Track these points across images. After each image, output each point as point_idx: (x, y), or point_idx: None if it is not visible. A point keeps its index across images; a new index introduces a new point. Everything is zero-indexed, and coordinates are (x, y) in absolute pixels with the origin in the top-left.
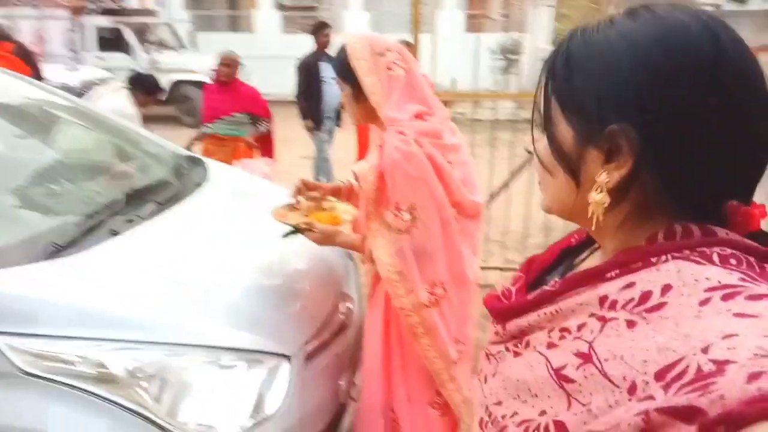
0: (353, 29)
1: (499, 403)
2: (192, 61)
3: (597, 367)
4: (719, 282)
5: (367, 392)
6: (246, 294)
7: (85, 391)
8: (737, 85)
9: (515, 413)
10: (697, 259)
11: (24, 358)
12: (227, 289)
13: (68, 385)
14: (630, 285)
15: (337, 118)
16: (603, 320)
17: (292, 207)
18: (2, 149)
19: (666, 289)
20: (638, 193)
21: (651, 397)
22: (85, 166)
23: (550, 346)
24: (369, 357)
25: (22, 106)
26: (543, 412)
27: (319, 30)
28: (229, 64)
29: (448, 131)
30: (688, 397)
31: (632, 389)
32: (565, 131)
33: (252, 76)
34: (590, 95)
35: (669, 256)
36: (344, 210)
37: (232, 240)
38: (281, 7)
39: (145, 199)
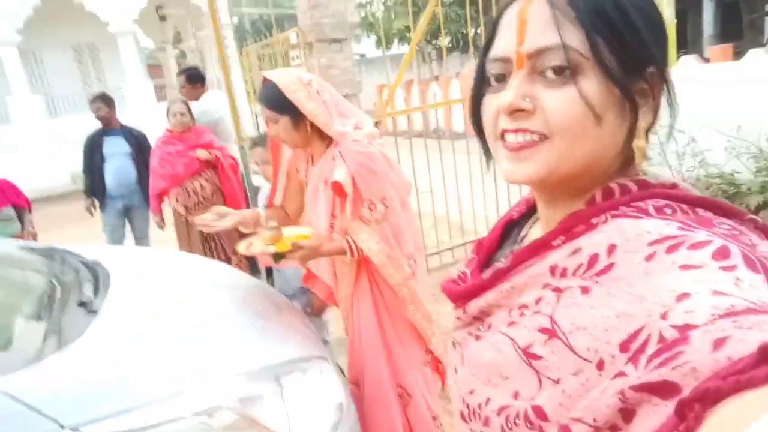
0: (22, 114)
1: (471, 392)
2: None
3: (563, 341)
4: (660, 234)
5: (372, 373)
6: (254, 322)
7: None
8: None
9: (489, 399)
10: (634, 213)
11: None
12: (238, 326)
13: None
14: (576, 250)
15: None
16: (558, 291)
17: (250, 243)
18: None
19: (611, 249)
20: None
21: (623, 374)
22: None
23: (511, 324)
24: (368, 340)
25: None
26: (516, 394)
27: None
28: None
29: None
30: (660, 372)
31: (600, 364)
32: (616, 70)
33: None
34: (642, 34)
35: (608, 215)
36: (297, 230)
37: (195, 296)
38: None
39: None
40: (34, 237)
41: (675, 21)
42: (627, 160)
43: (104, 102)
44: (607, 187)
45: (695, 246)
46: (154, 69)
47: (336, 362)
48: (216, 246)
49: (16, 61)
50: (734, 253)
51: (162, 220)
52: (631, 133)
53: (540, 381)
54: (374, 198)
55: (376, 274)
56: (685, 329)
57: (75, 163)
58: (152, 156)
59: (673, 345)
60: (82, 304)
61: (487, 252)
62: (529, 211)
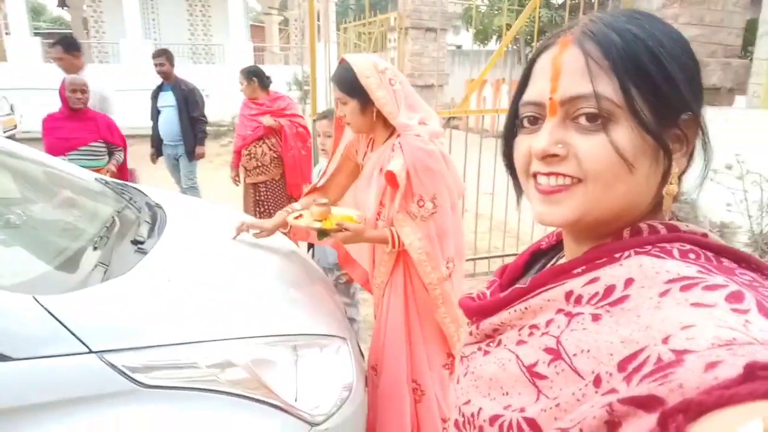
0: (133, 56)
1: (468, 402)
2: None
3: (567, 363)
4: (678, 274)
5: (390, 363)
6: (289, 296)
7: (212, 390)
8: None
9: (480, 409)
10: (658, 253)
11: (144, 372)
12: (269, 292)
13: (193, 388)
14: (594, 280)
15: (188, 150)
16: (569, 315)
17: (298, 216)
18: None
19: (628, 282)
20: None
21: (614, 390)
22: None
23: (519, 342)
24: (392, 331)
25: None
26: (508, 406)
27: (157, 58)
28: (83, 90)
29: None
30: (648, 386)
31: (597, 381)
32: (649, 119)
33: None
34: (678, 82)
35: (632, 252)
36: (346, 211)
37: (239, 256)
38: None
39: (132, 225)
40: (112, 174)
41: None
42: (659, 203)
43: (166, 57)
44: (636, 226)
45: (710, 287)
46: (257, 30)
47: (358, 344)
48: (265, 211)
49: (135, 6)
50: (748, 299)
51: (237, 175)
52: (665, 178)
53: (538, 398)
54: (425, 195)
55: (413, 269)
56: (682, 353)
57: None
58: (239, 117)
59: (668, 366)
60: (135, 242)
61: (510, 277)
62: (558, 243)
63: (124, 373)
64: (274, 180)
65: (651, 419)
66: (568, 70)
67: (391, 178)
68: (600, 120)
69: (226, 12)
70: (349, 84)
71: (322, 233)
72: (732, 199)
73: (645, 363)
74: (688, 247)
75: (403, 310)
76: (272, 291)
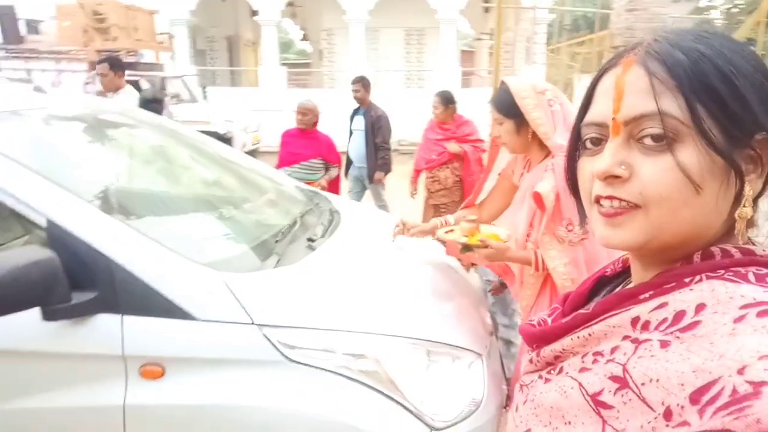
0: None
1: (528, 431)
2: (204, 114)
3: (635, 392)
4: (754, 299)
5: None
6: (434, 304)
7: (343, 375)
8: None
9: None
10: (732, 278)
11: (291, 348)
12: (416, 297)
13: (327, 370)
14: (662, 305)
15: (369, 174)
16: (636, 342)
17: (449, 230)
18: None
19: (700, 308)
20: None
21: (686, 423)
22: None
23: (583, 370)
24: None
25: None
26: None
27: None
28: (304, 113)
29: None
30: (723, 420)
31: (668, 414)
32: (718, 139)
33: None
34: (748, 100)
35: (703, 276)
36: (493, 230)
37: (395, 261)
38: (286, 65)
39: (311, 225)
40: (322, 188)
41: None
42: (732, 228)
43: (362, 84)
44: (707, 250)
45: None
46: (468, 55)
47: (508, 364)
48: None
49: (360, 39)
50: None
51: (415, 190)
52: (737, 201)
53: (604, 430)
54: (575, 218)
55: (558, 295)
56: (760, 385)
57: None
58: (423, 138)
59: (744, 399)
60: (308, 240)
61: (573, 304)
62: (624, 270)
63: (275, 347)
64: (455, 202)
65: None
66: (632, 90)
67: (538, 199)
68: (665, 140)
69: (438, 39)
70: (504, 104)
71: (466, 248)
72: None
73: (719, 395)
74: (765, 271)
75: None
76: (418, 296)
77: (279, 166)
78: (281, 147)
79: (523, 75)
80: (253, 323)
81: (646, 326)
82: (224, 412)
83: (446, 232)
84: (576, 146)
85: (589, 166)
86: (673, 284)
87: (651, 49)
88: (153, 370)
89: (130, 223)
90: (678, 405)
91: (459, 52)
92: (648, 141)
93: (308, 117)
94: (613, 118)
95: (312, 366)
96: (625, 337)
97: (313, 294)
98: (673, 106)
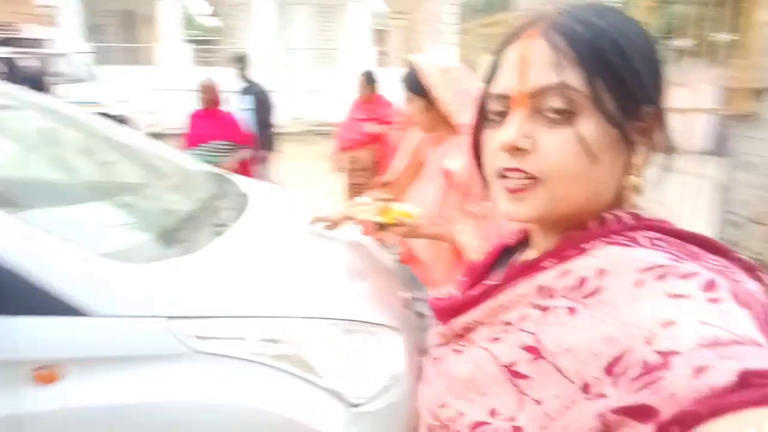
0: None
1: (443, 405)
2: (95, 94)
3: (550, 362)
4: (650, 262)
5: None
6: (348, 282)
7: (257, 362)
8: None
9: (461, 413)
10: (626, 242)
11: (199, 339)
12: (330, 277)
13: (239, 358)
14: (566, 272)
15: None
16: (543, 309)
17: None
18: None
19: (601, 273)
20: None
21: (603, 395)
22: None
23: (493, 340)
24: None
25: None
26: (494, 412)
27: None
28: (203, 91)
29: None
30: (639, 395)
31: (586, 387)
32: (614, 110)
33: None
34: (640, 74)
35: (600, 243)
36: (405, 207)
37: (307, 242)
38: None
39: (218, 210)
40: (229, 170)
41: None
42: (623, 194)
43: (243, 62)
44: (601, 216)
45: (684, 276)
46: (383, 35)
47: (424, 337)
48: None
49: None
50: (722, 287)
51: (339, 168)
52: (626, 170)
53: (520, 399)
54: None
55: None
56: (667, 355)
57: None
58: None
59: (654, 369)
60: (216, 225)
61: (479, 275)
62: (525, 239)
63: (182, 339)
64: (370, 185)
65: (645, 430)
66: (536, 62)
67: (449, 176)
68: (566, 112)
69: (349, 17)
70: (413, 83)
71: (381, 226)
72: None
73: (631, 366)
74: (655, 234)
75: None
76: (332, 276)
77: (184, 148)
78: (189, 128)
79: (431, 54)
80: (157, 316)
81: (551, 293)
82: (130, 412)
83: (356, 212)
84: (481, 118)
85: (494, 138)
86: (574, 251)
87: (553, 22)
88: (48, 374)
89: (15, 214)
90: (594, 377)
91: (373, 31)
92: (550, 113)
93: (207, 95)
94: (518, 90)
95: (223, 356)
96: (532, 305)
97: (222, 281)
98: (574, 78)
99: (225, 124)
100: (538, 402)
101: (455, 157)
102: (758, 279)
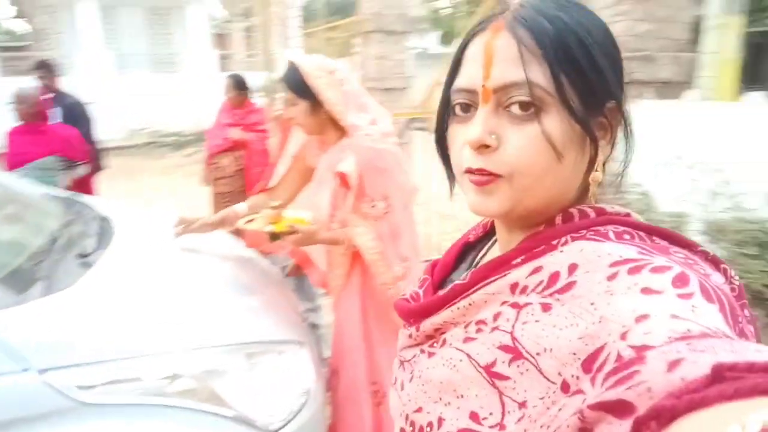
0: (93, 69)
1: (419, 410)
2: None
3: (532, 363)
4: (620, 256)
5: (349, 366)
6: (241, 302)
7: (158, 405)
8: None
9: (441, 419)
10: (595, 237)
11: (86, 389)
12: (220, 299)
13: (138, 404)
14: (537, 269)
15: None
16: (517, 306)
17: (250, 220)
18: None
19: (572, 268)
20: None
21: (581, 391)
22: None
23: (467, 340)
24: (350, 333)
25: None
26: (475, 416)
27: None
28: (19, 102)
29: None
30: (616, 391)
31: (565, 386)
32: (578, 107)
33: None
34: (603, 70)
35: (569, 238)
36: (298, 214)
37: (188, 264)
38: None
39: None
40: (66, 188)
41: (742, 55)
42: (586, 189)
43: (47, 69)
44: (566, 212)
45: (656, 270)
46: (223, 38)
47: (320, 348)
48: None
49: (94, 16)
50: (692, 281)
51: (208, 178)
52: (590, 166)
53: (502, 402)
54: (377, 195)
55: (368, 270)
56: (641, 350)
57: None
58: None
59: (629, 364)
60: (80, 255)
61: (442, 273)
62: (485, 235)
63: (63, 392)
64: (234, 193)
65: (622, 426)
66: (501, 57)
67: (342, 178)
68: (532, 109)
69: (186, 21)
70: (297, 85)
71: (274, 236)
72: (684, 189)
73: (606, 362)
74: (621, 228)
75: (359, 312)
76: (223, 298)
77: (7, 170)
78: (8, 147)
79: (310, 55)
80: (28, 369)
81: (524, 290)
82: None
83: (247, 222)
84: (445, 112)
85: (461, 134)
86: (543, 247)
87: (518, 15)
88: None
89: None
90: (573, 376)
91: (211, 34)
92: (515, 109)
93: (26, 108)
94: (483, 86)
95: (117, 404)
96: (505, 303)
97: (100, 319)
98: (539, 75)
99: (53, 138)
100: (521, 404)
101: (347, 159)
102: (723, 272)
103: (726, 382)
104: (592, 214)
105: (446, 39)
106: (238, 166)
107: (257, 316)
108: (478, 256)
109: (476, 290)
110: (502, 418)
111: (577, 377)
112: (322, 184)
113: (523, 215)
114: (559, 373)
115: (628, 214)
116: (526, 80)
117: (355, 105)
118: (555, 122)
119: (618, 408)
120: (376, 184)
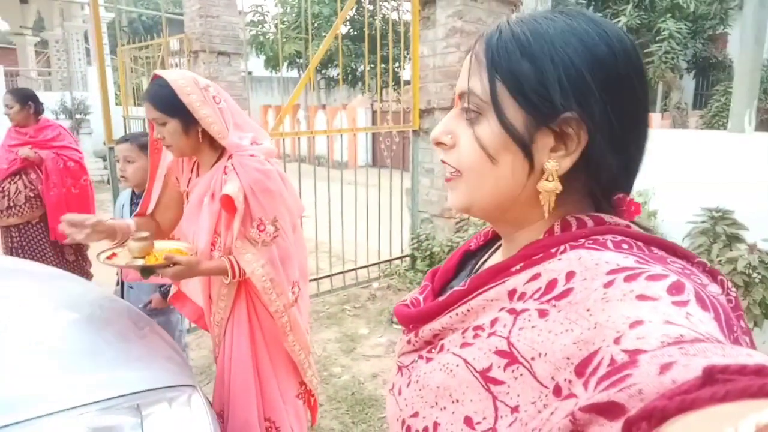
0: None
1: (415, 415)
2: None
3: (526, 368)
4: (618, 265)
5: (239, 405)
6: (114, 344)
7: None
8: (643, 78)
9: (436, 424)
10: (593, 246)
11: None
12: (96, 347)
13: None
14: (535, 276)
15: None
16: (514, 312)
17: (113, 253)
18: None
19: (570, 275)
20: (567, 183)
21: (573, 395)
22: None
23: (464, 345)
24: (239, 369)
25: None
26: (469, 420)
27: None
28: None
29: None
30: (607, 393)
31: (557, 390)
32: (516, 115)
33: None
34: (547, 80)
35: (567, 246)
36: (171, 244)
37: (46, 313)
38: None
39: None
40: None
41: None
42: (584, 198)
43: None
44: (564, 220)
45: (653, 278)
46: (7, 53)
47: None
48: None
49: None
50: (688, 290)
51: None
52: (540, 173)
53: (495, 406)
54: (265, 218)
55: (256, 299)
56: (635, 354)
57: None
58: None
59: (622, 368)
60: None
61: (442, 280)
62: (486, 243)
63: None
64: (30, 224)
65: (613, 428)
66: (464, 68)
67: (227, 202)
68: (473, 114)
69: None
70: (167, 102)
71: (146, 271)
72: None
73: (600, 366)
74: (620, 238)
75: (248, 345)
76: (97, 347)
77: None
78: None
79: (179, 70)
80: None
81: (522, 297)
82: None
83: (108, 258)
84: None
85: None
86: (541, 255)
87: (487, 31)
88: None
89: None
90: (566, 380)
91: None
92: (467, 114)
93: None
94: (455, 92)
95: None
96: (503, 309)
97: None
98: (478, 84)
99: None
100: (513, 409)
101: (231, 182)
102: (720, 283)
103: (717, 384)
104: (591, 223)
105: (271, 63)
106: (33, 193)
107: (138, 362)
108: (478, 264)
109: (475, 296)
110: (495, 423)
111: (570, 381)
112: (199, 210)
113: (485, 213)
114: (553, 378)
115: (628, 225)
116: (467, 90)
117: (234, 124)
118: (485, 128)
119: (609, 409)
120: (264, 206)
